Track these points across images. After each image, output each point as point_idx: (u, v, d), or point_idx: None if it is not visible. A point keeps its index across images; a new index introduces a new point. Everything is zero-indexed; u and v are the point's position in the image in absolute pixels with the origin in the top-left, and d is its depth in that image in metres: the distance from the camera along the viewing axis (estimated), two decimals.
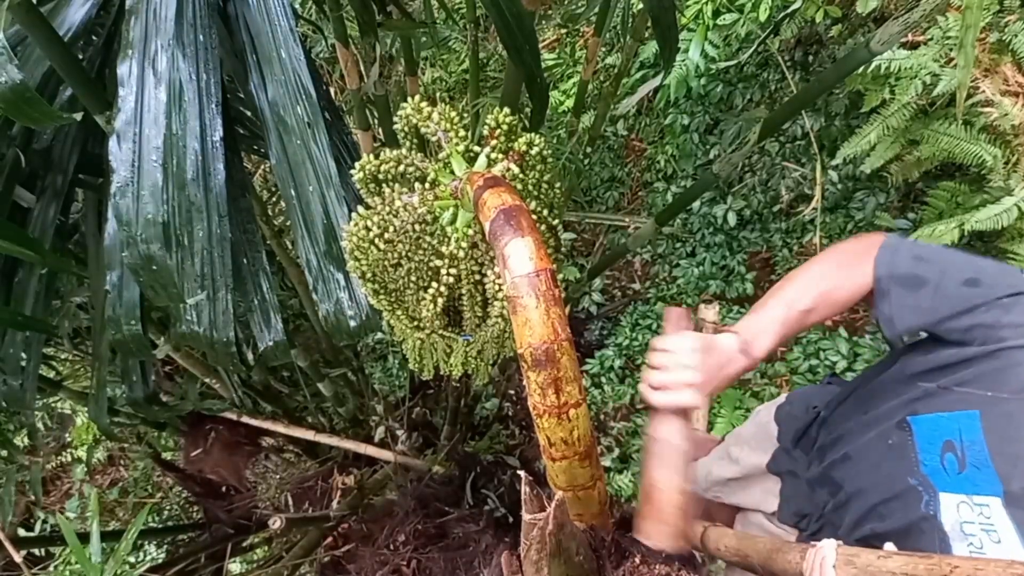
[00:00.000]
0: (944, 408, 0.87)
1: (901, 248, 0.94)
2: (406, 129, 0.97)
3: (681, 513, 0.90)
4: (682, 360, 0.91)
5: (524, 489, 0.69)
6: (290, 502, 2.65)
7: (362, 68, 1.60)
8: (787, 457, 1.25)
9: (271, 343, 1.44)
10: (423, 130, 0.94)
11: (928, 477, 0.88)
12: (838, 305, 0.98)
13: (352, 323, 1.23)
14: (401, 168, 0.93)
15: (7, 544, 1.66)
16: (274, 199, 2.92)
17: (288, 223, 1.76)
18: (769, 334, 0.96)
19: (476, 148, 0.93)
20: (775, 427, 1.32)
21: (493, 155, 0.92)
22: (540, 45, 3.51)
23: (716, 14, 2.83)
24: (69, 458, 4.20)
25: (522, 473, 0.70)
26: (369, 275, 0.93)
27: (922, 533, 0.87)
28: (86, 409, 2.54)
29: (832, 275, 0.98)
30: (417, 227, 0.89)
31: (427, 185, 0.92)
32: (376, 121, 1.86)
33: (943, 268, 0.90)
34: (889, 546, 0.64)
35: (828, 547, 0.63)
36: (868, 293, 0.97)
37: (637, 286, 3.78)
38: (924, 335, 0.95)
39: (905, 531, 0.90)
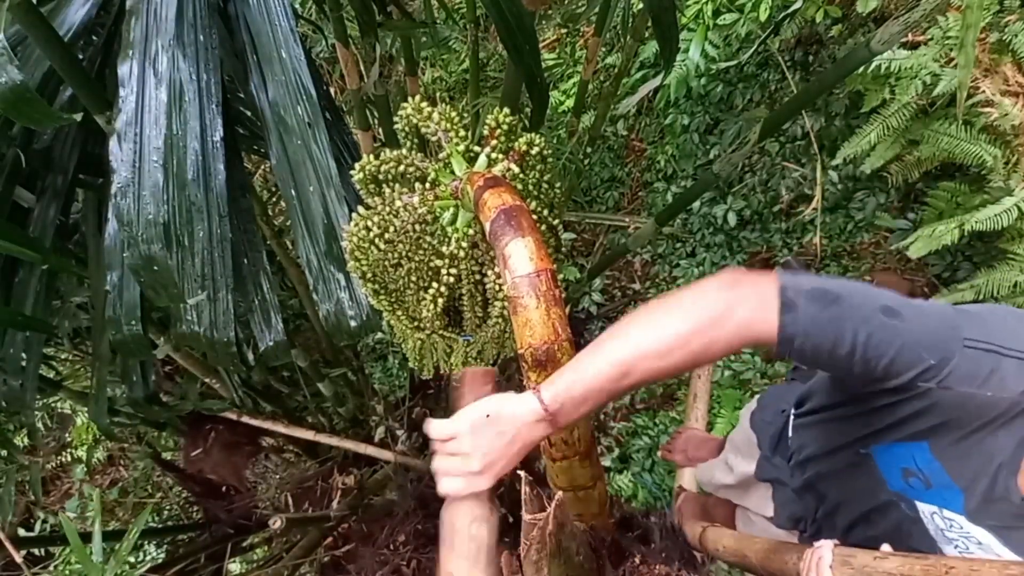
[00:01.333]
0: (896, 438, 0.83)
1: (797, 272, 0.81)
2: (406, 129, 0.97)
3: None
4: (462, 446, 0.76)
5: (524, 489, 0.69)
6: (290, 502, 2.65)
7: (362, 68, 1.60)
8: (770, 465, 1.24)
9: (271, 343, 1.44)
10: (423, 130, 0.94)
11: (901, 493, 0.87)
12: (690, 360, 0.75)
13: (352, 323, 1.23)
14: (401, 168, 0.93)
15: (7, 544, 1.66)
16: (274, 199, 2.92)
17: (288, 223, 1.76)
18: (580, 401, 0.73)
19: (476, 148, 0.93)
20: (755, 435, 1.31)
21: (493, 155, 0.92)
22: (540, 45, 3.51)
23: (716, 14, 2.83)
24: (69, 458, 4.20)
25: (522, 473, 0.70)
26: (369, 275, 0.93)
27: (911, 536, 0.87)
28: (86, 409, 2.55)
29: (688, 317, 0.74)
30: (417, 227, 0.89)
31: (427, 185, 0.92)
32: (376, 121, 1.86)
33: (851, 290, 0.77)
34: (886, 547, 0.65)
35: (825, 548, 0.63)
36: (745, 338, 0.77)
37: (637, 286, 3.78)
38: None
39: (896, 531, 0.89)
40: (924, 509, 0.85)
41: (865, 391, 0.82)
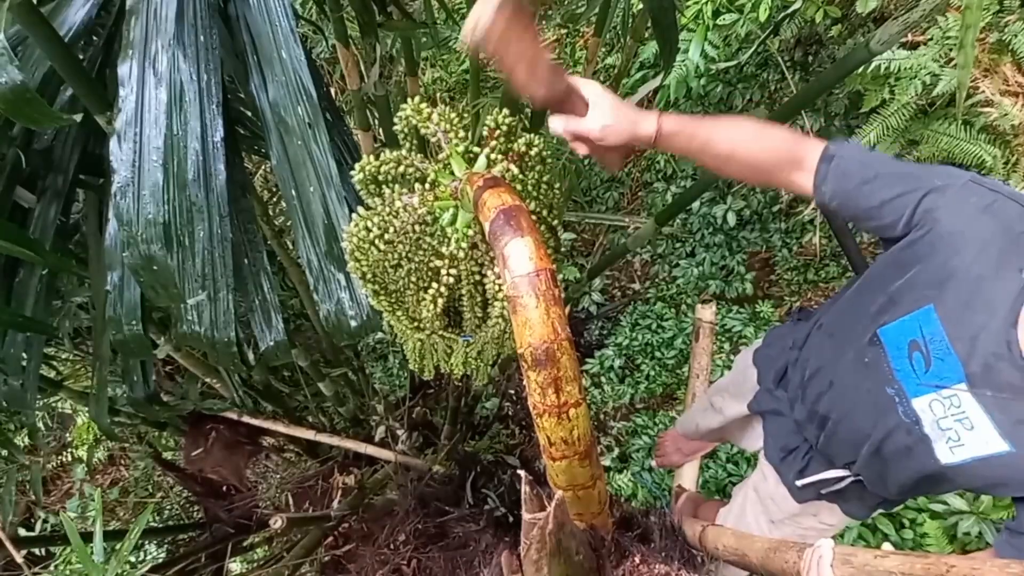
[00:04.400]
0: (904, 312, 0.92)
1: (839, 152, 0.97)
2: (406, 130, 0.97)
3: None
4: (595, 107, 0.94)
5: (524, 488, 0.69)
6: (290, 502, 2.65)
7: (363, 68, 1.60)
8: (770, 396, 1.29)
9: (272, 343, 1.44)
10: (423, 131, 0.95)
11: (902, 384, 0.95)
12: (759, 174, 1.00)
13: (353, 323, 1.23)
14: (401, 169, 0.93)
15: (8, 544, 1.66)
16: (275, 199, 2.93)
17: (289, 223, 1.76)
18: (680, 136, 0.97)
19: (476, 149, 0.94)
20: (754, 371, 1.36)
21: (493, 156, 0.93)
22: None
23: (716, 14, 2.83)
24: (69, 458, 4.20)
25: (522, 472, 0.70)
26: (369, 276, 0.93)
27: (909, 448, 0.96)
28: (87, 409, 2.54)
29: (767, 148, 0.98)
30: (417, 228, 0.89)
31: (427, 186, 0.92)
32: (376, 122, 1.86)
33: (884, 159, 0.96)
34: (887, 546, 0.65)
35: (825, 546, 0.64)
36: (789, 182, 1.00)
37: (637, 286, 3.78)
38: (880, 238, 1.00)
39: (892, 442, 0.98)
40: (920, 404, 0.93)
41: (885, 238, 0.96)
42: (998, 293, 0.83)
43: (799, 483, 1.21)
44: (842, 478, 1.15)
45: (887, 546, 0.65)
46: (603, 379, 3.47)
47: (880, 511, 1.37)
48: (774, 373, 1.29)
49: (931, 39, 2.42)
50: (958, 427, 0.89)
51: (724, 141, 0.97)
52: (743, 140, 0.98)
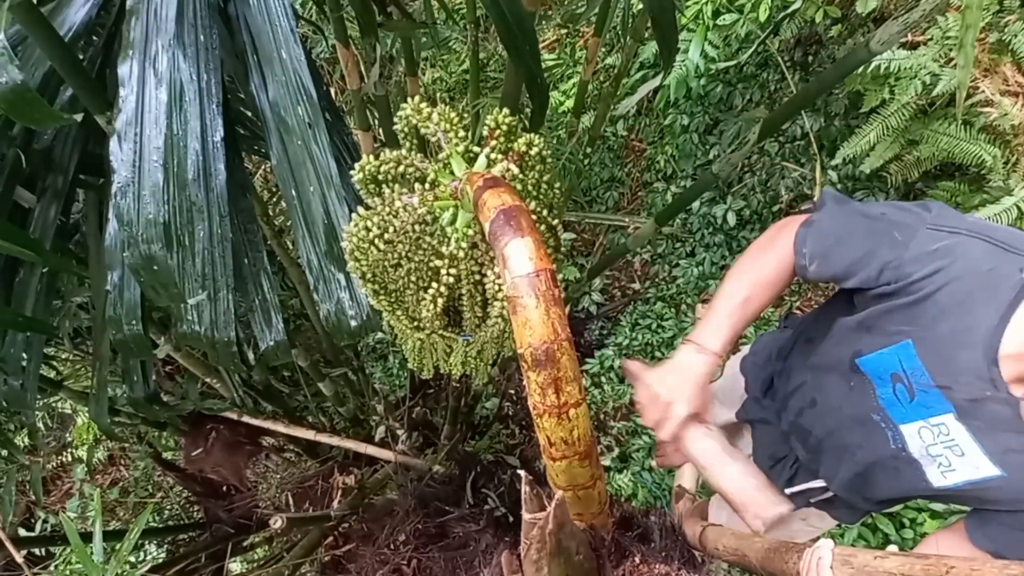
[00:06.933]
0: (883, 345, 0.94)
1: (816, 218, 1.03)
2: (406, 130, 0.97)
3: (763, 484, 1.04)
4: (659, 398, 1.03)
5: (524, 488, 0.69)
6: (291, 501, 2.65)
7: (362, 68, 1.60)
8: (758, 406, 1.30)
9: (272, 343, 1.44)
10: (423, 131, 0.95)
11: (887, 410, 0.97)
12: (772, 286, 1.06)
13: (353, 323, 1.23)
14: (401, 169, 0.93)
15: (8, 543, 1.66)
16: (275, 199, 2.93)
17: (289, 223, 1.76)
18: (720, 329, 1.04)
19: (476, 148, 0.94)
20: (742, 379, 1.36)
21: (493, 155, 0.93)
22: (540, 45, 3.51)
23: (716, 14, 2.83)
24: (69, 458, 4.20)
25: (522, 472, 0.70)
26: (369, 275, 0.93)
27: (897, 469, 0.97)
28: (87, 409, 2.54)
29: (757, 259, 1.07)
30: (417, 227, 0.89)
31: (427, 185, 0.92)
32: (376, 121, 1.86)
33: (854, 219, 0.99)
34: (892, 547, 0.65)
35: (824, 548, 0.64)
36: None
37: (637, 286, 3.78)
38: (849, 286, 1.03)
39: (880, 465, 1.00)
40: (909, 431, 0.94)
41: (858, 293, 0.98)
42: (974, 332, 0.84)
43: (788, 491, 1.21)
44: (828, 488, 1.15)
45: (892, 546, 0.65)
46: (603, 379, 3.46)
47: (872, 513, 1.38)
48: (761, 382, 1.29)
49: (931, 39, 2.42)
50: (948, 453, 0.90)
51: (745, 300, 1.05)
52: (753, 284, 1.05)
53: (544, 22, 3.88)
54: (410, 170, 0.93)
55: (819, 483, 1.16)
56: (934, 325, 0.87)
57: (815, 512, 1.24)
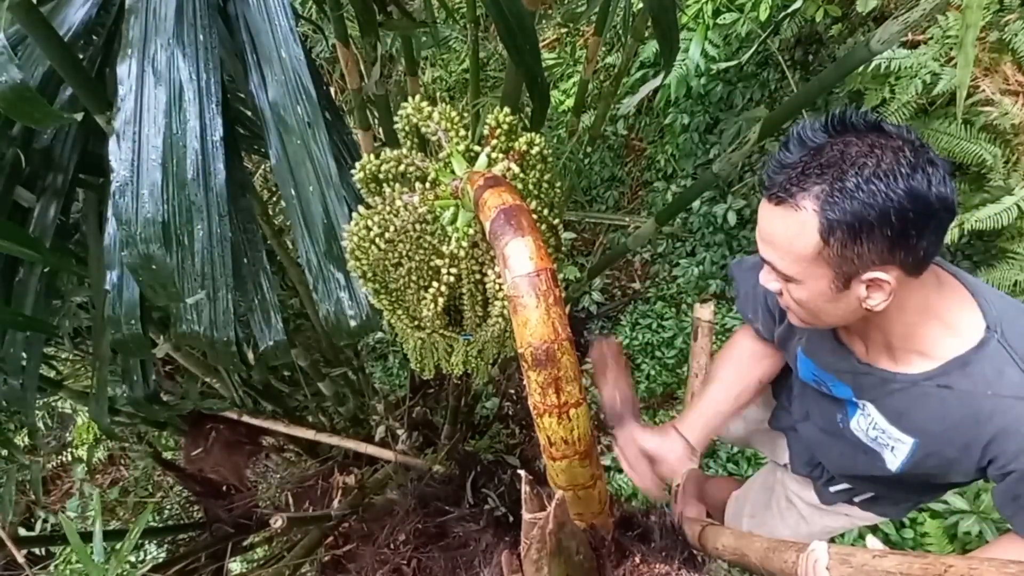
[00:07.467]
0: (795, 358, 1.11)
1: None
2: (407, 129, 0.97)
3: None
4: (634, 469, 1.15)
5: (524, 488, 0.69)
6: (291, 501, 2.65)
7: (363, 68, 1.60)
8: (786, 414, 1.31)
9: (271, 342, 1.44)
10: (423, 130, 0.94)
11: (845, 409, 1.06)
12: (755, 391, 1.23)
13: (352, 323, 1.23)
14: (401, 168, 0.93)
15: (8, 543, 1.66)
16: (274, 199, 2.92)
17: (288, 223, 1.76)
18: (705, 436, 1.17)
19: (476, 148, 0.93)
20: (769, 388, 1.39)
21: (493, 155, 0.92)
22: (540, 45, 3.51)
23: (716, 13, 2.83)
24: (69, 457, 4.20)
25: (522, 472, 0.70)
26: (370, 275, 0.93)
27: (873, 463, 1.02)
28: (87, 408, 2.55)
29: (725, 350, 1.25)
30: (418, 227, 0.89)
31: (428, 185, 0.92)
32: (376, 121, 1.86)
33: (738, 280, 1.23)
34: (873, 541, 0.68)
35: (820, 549, 0.64)
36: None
37: (637, 285, 3.78)
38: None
39: (858, 464, 1.08)
40: (854, 423, 1.03)
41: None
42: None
43: (832, 489, 1.24)
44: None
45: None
46: None
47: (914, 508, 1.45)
48: (786, 390, 1.29)
49: (931, 38, 2.41)
50: (881, 435, 0.97)
51: (727, 397, 1.20)
52: (735, 382, 1.21)
53: (544, 21, 3.88)
54: (411, 169, 0.93)
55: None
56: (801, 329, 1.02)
57: (857, 508, 1.26)
